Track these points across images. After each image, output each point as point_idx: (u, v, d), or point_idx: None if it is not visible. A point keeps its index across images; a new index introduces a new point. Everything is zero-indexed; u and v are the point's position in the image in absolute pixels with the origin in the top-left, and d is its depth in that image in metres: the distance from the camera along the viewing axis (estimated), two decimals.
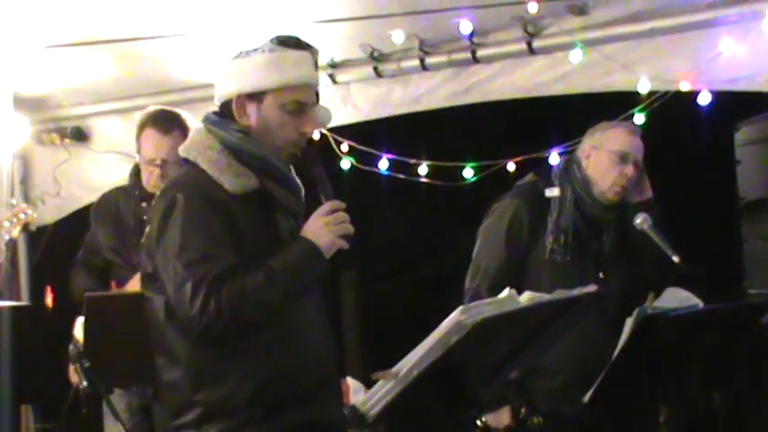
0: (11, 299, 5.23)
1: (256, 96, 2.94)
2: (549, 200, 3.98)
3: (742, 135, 4.41)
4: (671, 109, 4.80)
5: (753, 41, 4.54)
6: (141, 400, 4.30)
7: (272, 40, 2.97)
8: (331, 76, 5.33)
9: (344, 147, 5.54)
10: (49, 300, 5.13)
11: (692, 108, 4.73)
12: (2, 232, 4.37)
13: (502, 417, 3.68)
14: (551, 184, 4.01)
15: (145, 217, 4.26)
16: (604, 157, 3.97)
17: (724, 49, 4.59)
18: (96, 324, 3.60)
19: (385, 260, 6.15)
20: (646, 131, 4.12)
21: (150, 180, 4.27)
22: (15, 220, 4.45)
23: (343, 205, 2.92)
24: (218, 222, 2.82)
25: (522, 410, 3.17)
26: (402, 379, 2.63)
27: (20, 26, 4.81)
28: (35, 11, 4.67)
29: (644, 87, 4.79)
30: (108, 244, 4.41)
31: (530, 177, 4.13)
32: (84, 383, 3.19)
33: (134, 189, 4.37)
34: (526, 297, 2.81)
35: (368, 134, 5.53)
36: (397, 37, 5.05)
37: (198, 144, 2.96)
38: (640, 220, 3.92)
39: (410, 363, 2.63)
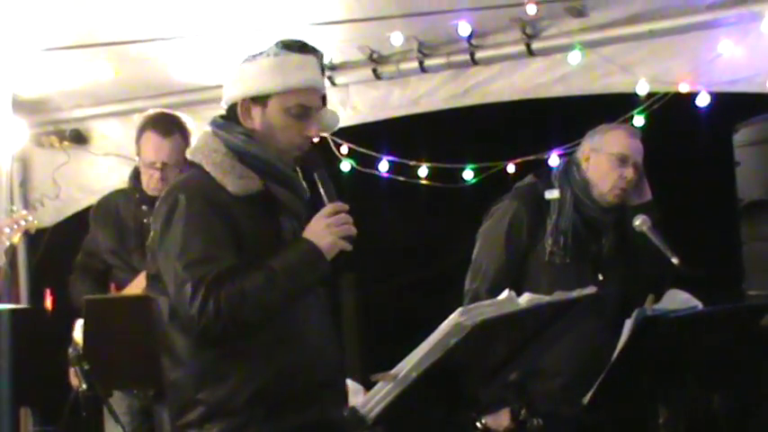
0: (10, 302, 5.23)
1: (261, 100, 2.96)
2: (548, 202, 3.98)
3: (741, 136, 4.41)
4: (670, 110, 4.80)
5: (752, 43, 4.54)
6: (142, 402, 4.30)
7: (277, 44, 3.00)
8: (330, 78, 5.33)
9: (344, 149, 5.54)
10: (48, 302, 5.14)
11: (692, 110, 4.73)
12: (2, 238, 4.38)
13: (501, 418, 3.68)
14: (551, 186, 4.01)
15: (145, 220, 4.28)
16: (604, 159, 3.96)
17: (723, 51, 4.59)
18: (96, 327, 3.60)
19: (384, 262, 6.14)
20: (645, 133, 4.11)
21: (150, 183, 4.27)
22: (16, 226, 4.46)
23: (346, 207, 2.94)
24: (218, 224, 2.84)
25: (522, 412, 3.18)
26: (401, 381, 2.63)
27: (19, 29, 4.81)
28: (34, 13, 4.67)
29: (643, 89, 4.79)
30: (108, 247, 4.41)
31: (529, 179, 4.13)
32: (84, 386, 3.19)
33: (134, 192, 4.37)
34: (525, 299, 2.81)
35: (367, 136, 5.53)
36: (396, 39, 5.05)
37: (204, 147, 2.99)
38: (639, 221, 3.92)
39: (409, 364, 2.63)
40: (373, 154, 5.54)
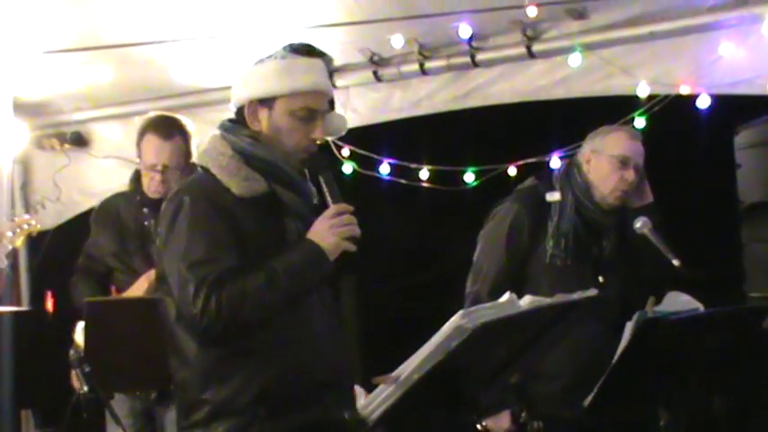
0: (11, 304, 5.24)
1: (267, 102, 2.99)
2: (549, 204, 3.98)
3: (742, 138, 4.41)
4: (671, 112, 4.79)
5: (753, 45, 4.53)
6: (144, 405, 4.31)
7: (284, 48, 3.03)
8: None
9: (345, 151, 5.54)
10: (49, 304, 5.14)
11: (692, 112, 4.73)
12: (5, 242, 4.40)
13: (502, 421, 3.69)
14: (552, 189, 4.01)
15: (146, 222, 4.29)
16: (605, 161, 3.96)
17: (724, 53, 4.59)
18: (97, 329, 3.60)
19: (386, 264, 6.14)
20: (646, 135, 4.11)
21: (151, 185, 4.28)
22: (18, 230, 4.48)
23: (351, 208, 2.97)
24: (222, 225, 2.87)
25: (523, 415, 3.17)
26: (402, 383, 2.64)
27: (19, 31, 4.82)
28: (35, 16, 4.67)
29: (643, 91, 4.79)
30: (109, 249, 4.41)
31: (530, 182, 4.13)
32: (85, 388, 3.20)
33: (135, 194, 4.37)
34: (526, 301, 2.81)
35: (368, 139, 5.53)
36: (397, 41, 5.05)
37: (211, 150, 3.02)
38: (640, 224, 3.92)
39: (410, 367, 2.63)
40: (374, 156, 5.54)
